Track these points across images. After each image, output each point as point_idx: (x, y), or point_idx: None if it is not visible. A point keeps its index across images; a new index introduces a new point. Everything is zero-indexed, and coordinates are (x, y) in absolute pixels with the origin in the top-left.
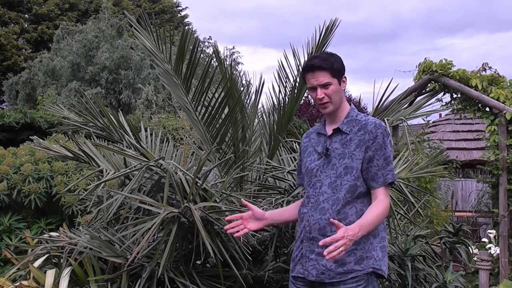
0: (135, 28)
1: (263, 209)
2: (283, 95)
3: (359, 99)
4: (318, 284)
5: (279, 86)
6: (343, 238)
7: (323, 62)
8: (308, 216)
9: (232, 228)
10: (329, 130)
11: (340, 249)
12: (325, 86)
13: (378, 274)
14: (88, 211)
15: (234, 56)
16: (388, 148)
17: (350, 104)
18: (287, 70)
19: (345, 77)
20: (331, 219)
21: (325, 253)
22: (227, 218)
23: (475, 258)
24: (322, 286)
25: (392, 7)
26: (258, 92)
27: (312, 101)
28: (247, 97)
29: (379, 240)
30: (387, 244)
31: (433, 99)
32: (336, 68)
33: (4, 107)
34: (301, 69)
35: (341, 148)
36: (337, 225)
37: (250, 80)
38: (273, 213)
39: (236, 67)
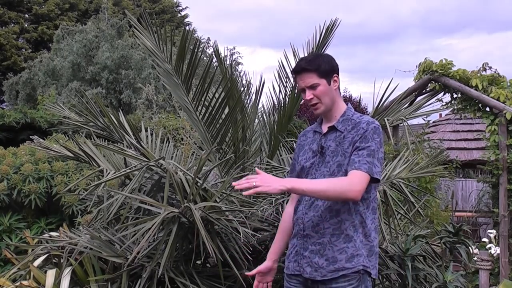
0: (136, 28)
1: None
2: (283, 95)
3: (359, 99)
4: (312, 282)
5: (279, 86)
6: (257, 176)
7: (308, 64)
8: (302, 213)
9: None
10: (324, 128)
11: (254, 181)
12: (312, 87)
13: (369, 272)
14: (88, 211)
15: (234, 57)
16: (374, 143)
17: (347, 104)
18: (288, 70)
19: (336, 76)
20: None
21: (234, 183)
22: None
23: (475, 258)
24: (315, 284)
25: (390, 8)
26: (258, 92)
27: None
28: (247, 97)
29: (369, 240)
30: (377, 245)
31: (433, 99)
32: (323, 69)
33: (4, 107)
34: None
35: (335, 146)
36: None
37: (250, 80)
38: (273, 252)
39: (237, 67)
